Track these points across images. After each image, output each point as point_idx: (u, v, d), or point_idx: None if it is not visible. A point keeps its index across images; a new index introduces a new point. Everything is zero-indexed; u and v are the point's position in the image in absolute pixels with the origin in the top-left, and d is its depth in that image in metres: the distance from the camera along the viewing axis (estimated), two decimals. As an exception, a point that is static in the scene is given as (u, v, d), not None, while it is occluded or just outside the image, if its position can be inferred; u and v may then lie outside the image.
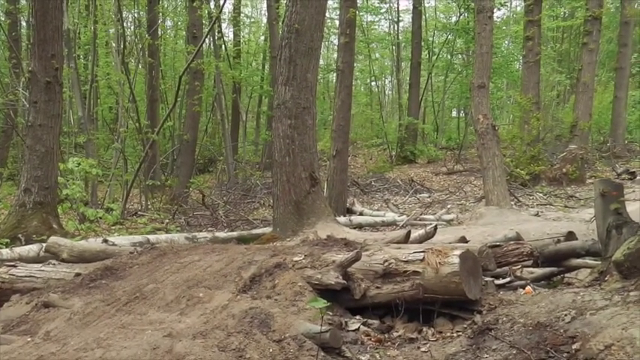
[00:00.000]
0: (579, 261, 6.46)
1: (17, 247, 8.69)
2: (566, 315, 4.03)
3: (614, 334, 3.64)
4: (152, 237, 10.16)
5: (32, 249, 8.48)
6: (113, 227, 13.07)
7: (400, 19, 35.48)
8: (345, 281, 4.96)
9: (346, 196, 15.75)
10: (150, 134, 16.97)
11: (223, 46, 26.34)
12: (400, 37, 34.54)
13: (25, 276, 6.05)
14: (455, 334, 4.60)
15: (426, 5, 33.83)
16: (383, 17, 36.33)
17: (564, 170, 19.08)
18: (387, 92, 43.69)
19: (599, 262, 5.39)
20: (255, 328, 4.15)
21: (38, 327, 4.59)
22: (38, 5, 10.63)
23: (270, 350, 3.90)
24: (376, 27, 37.78)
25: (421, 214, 14.53)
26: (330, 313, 4.73)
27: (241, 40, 31.72)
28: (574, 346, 3.72)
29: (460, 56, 33.71)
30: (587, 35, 21.36)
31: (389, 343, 4.62)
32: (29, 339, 4.26)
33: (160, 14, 23.74)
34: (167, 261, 5.77)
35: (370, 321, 4.93)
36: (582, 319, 3.92)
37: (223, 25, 29.09)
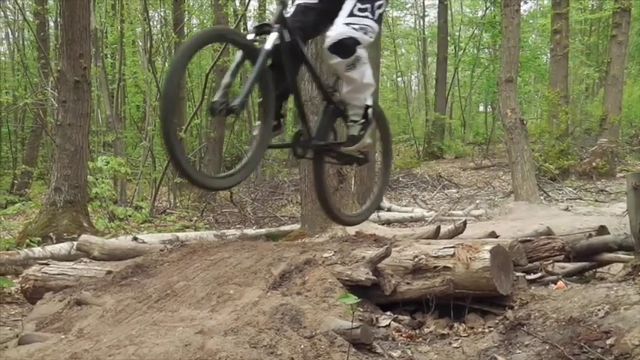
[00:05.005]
0: (612, 255, 6.36)
1: (49, 246, 8.79)
2: (599, 310, 3.97)
3: (650, 329, 3.59)
4: (181, 235, 10.22)
5: (63, 247, 8.57)
6: (142, 225, 13.15)
7: (426, 13, 35.38)
8: (375, 277, 4.94)
9: (374, 192, 15.67)
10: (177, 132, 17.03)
11: (249, 43, 26.34)
12: (426, 32, 34.36)
13: (58, 274, 6.11)
14: (487, 330, 4.56)
15: (452, -1, 33.65)
16: (408, 12, 36.24)
17: (594, 164, 18.91)
18: (413, 88, 43.52)
19: (632, 257, 5.32)
20: (285, 324, 4.15)
21: (71, 324, 4.63)
22: (66, 5, 10.71)
23: (302, 347, 3.89)
24: (402, 22, 37.69)
25: (450, 210, 14.49)
26: (361, 310, 4.72)
27: (267, 38, 31.70)
28: (608, 342, 3.67)
29: (487, 50, 33.46)
30: (616, 27, 20.99)
31: (420, 339, 4.59)
32: (62, 336, 4.30)
33: (186, 12, 23.85)
34: (197, 258, 5.79)
35: (401, 317, 4.90)
36: (616, 314, 3.86)
37: (249, 23, 29.11)
